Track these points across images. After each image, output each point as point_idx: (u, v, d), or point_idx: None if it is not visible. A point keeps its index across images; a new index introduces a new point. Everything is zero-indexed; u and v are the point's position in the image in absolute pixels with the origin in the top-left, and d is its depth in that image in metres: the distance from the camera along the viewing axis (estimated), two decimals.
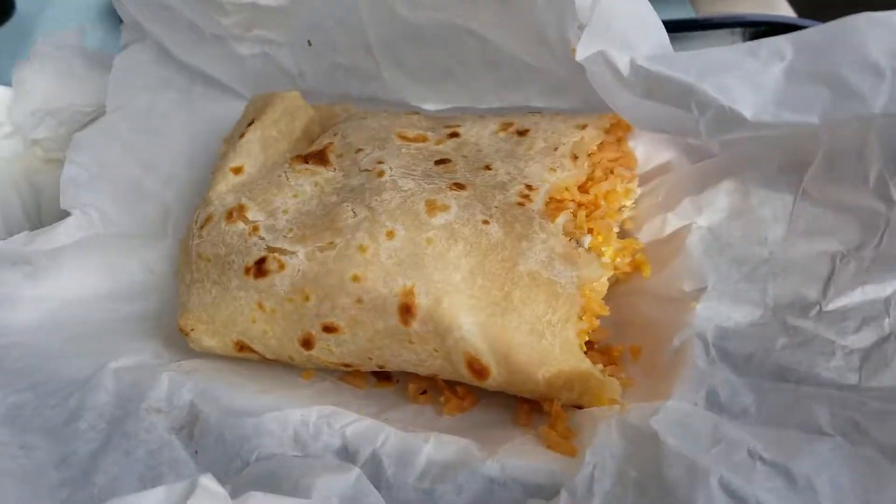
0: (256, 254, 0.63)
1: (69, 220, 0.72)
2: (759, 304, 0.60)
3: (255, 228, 0.64)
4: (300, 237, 0.62)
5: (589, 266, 0.58)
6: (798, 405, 0.52)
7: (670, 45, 0.61)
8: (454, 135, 0.70)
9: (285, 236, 0.63)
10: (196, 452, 0.56)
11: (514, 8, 0.67)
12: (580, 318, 0.58)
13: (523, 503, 0.52)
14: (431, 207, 0.61)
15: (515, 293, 0.57)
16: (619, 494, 0.50)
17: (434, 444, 0.56)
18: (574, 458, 0.53)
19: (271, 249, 0.62)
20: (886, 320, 0.54)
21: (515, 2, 0.66)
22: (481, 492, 0.53)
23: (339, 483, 0.48)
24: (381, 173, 0.65)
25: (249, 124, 0.75)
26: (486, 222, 0.60)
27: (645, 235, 0.70)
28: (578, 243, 0.61)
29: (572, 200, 0.63)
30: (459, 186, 0.63)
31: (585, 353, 0.58)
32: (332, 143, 0.71)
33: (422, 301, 0.57)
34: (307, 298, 0.60)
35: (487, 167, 0.65)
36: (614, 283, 0.69)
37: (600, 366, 0.59)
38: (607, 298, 0.63)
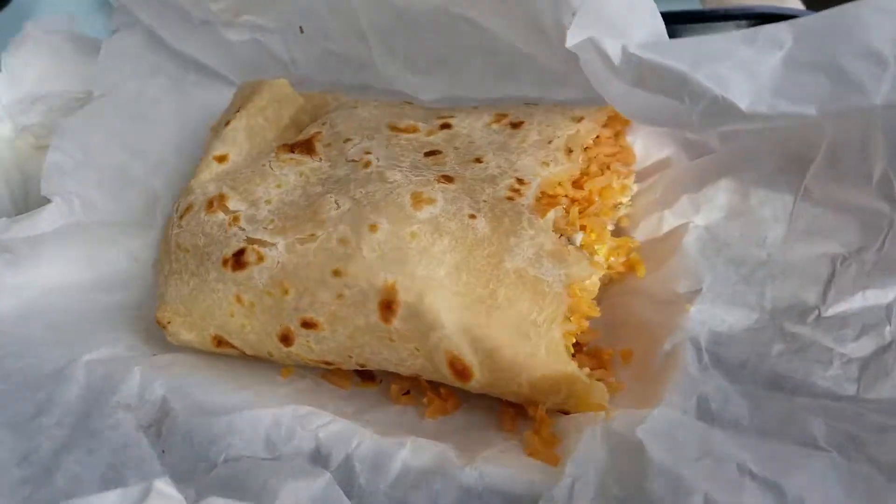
0: (235, 245, 0.61)
1: (50, 206, 0.71)
2: (756, 308, 0.58)
3: (236, 219, 0.62)
4: (281, 228, 0.60)
5: (578, 264, 0.56)
6: (792, 416, 0.50)
7: (665, 33, 0.59)
8: (446, 126, 0.68)
9: (266, 227, 0.61)
10: (163, 452, 0.54)
11: None
12: (568, 319, 0.56)
13: None
14: (417, 200, 0.58)
15: (501, 291, 0.55)
16: None
17: (411, 449, 0.53)
18: (556, 468, 0.51)
19: (251, 241, 0.60)
20: (887, 328, 0.52)
21: None
22: (457, 502, 0.50)
23: (306, 489, 0.46)
24: (367, 164, 0.63)
25: (236, 112, 0.73)
26: (472, 216, 0.57)
27: (641, 233, 0.68)
28: (570, 240, 0.59)
29: (565, 196, 0.61)
30: (448, 179, 0.61)
31: (573, 355, 0.56)
32: (319, 133, 0.69)
33: (403, 297, 0.55)
34: (286, 292, 0.58)
35: (478, 160, 0.63)
36: (608, 282, 0.67)
37: (587, 369, 0.57)
38: (600, 299, 0.61)
